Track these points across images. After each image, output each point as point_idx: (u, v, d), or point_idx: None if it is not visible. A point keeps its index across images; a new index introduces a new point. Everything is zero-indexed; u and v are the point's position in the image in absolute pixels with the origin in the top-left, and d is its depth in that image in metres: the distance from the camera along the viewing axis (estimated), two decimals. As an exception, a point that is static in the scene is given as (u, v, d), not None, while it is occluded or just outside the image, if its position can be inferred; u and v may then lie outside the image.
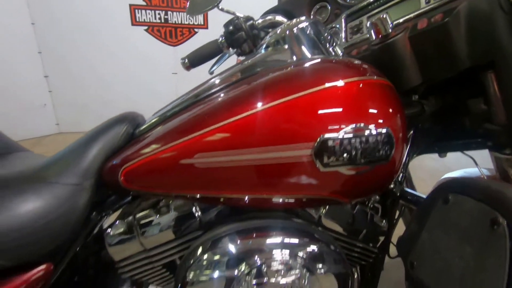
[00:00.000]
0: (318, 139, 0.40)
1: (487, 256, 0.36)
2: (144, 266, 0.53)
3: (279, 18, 0.73)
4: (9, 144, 0.69)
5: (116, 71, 3.22)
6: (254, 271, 0.44)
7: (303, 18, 0.57)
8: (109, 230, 0.52)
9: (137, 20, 3.13)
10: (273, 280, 0.45)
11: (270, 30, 0.71)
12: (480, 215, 0.38)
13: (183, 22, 3.25)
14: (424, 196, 0.55)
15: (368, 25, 0.53)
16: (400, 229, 0.64)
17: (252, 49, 0.72)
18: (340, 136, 0.40)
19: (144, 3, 3.10)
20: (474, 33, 0.45)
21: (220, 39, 0.74)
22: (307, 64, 0.48)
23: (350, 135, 0.40)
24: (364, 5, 0.65)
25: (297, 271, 0.45)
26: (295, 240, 0.46)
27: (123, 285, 0.60)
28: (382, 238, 0.60)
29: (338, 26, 0.70)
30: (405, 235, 0.53)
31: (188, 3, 0.77)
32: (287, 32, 0.56)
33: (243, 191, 0.45)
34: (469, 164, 0.75)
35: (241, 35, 0.70)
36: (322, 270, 0.46)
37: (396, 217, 0.63)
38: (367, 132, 0.41)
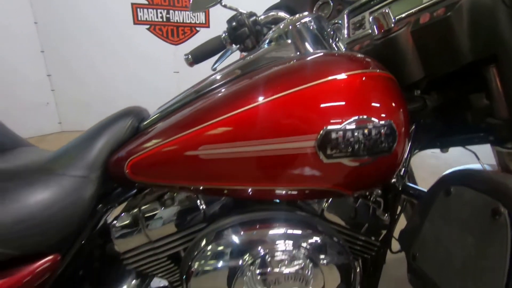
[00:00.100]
0: (322, 131, 0.40)
1: (489, 245, 0.37)
2: (149, 258, 0.54)
3: (282, 14, 0.74)
4: (15, 139, 0.70)
5: (118, 70, 3.23)
6: (258, 261, 0.45)
7: (306, 13, 0.58)
8: (114, 222, 0.52)
9: (139, 19, 3.14)
10: (276, 270, 0.45)
11: (273, 26, 0.72)
12: (481, 206, 0.39)
13: (184, 21, 3.26)
14: (426, 190, 0.56)
15: (370, 20, 0.53)
16: (401, 224, 0.65)
17: (255, 45, 0.72)
18: (343, 128, 0.41)
19: (146, 2, 3.11)
20: (476, 27, 0.45)
21: (223, 35, 0.74)
22: (310, 58, 0.48)
23: (353, 127, 0.41)
24: (366, 0, 0.65)
25: (300, 261, 0.46)
26: (298, 231, 0.47)
27: (127, 278, 0.61)
28: (384, 232, 0.60)
29: (340, 22, 0.71)
30: (407, 228, 0.54)
31: (191, 0, 0.78)
32: (290, 27, 0.57)
33: (246, 182, 0.45)
34: (470, 162, 0.75)
35: (244, 31, 0.70)
36: (325, 261, 0.47)
37: (398, 211, 0.64)
38: (370, 124, 0.41)
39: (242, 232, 0.47)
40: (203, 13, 3.27)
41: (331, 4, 0.76)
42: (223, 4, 0.75)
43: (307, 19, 0.56)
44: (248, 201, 0.53)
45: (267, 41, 0.61)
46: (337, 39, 0.63)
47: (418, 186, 0.75)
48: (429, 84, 0.59)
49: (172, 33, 3.27)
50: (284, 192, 0.47)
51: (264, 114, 0.42)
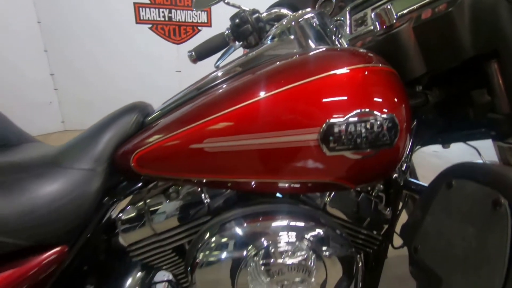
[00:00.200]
0: (324, 124, 0.41)
1: (490, 235, 0.37)
2: (154, 250, 0.55)
3: (285, 11, 0.74)
4: (21, 135, 0.71)
5: (121, 69, 3.25)
6: (261, 252, 0.46)
7: (308, 9, 0.58)
8: (120, 215, 0.53)
9: (141, 18, 3.16)
10: (279, 261, 0.46)
11: (275, 23, 0.73)
12: (482, 197, 0.39)
13: (186, 20, 3.27)
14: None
15: (372, 16, 0.54)
16: (403, 220, 0.65)
17: (258, 41, 0.73)
18: (346, 121, 0.41)
19: (148, 2, 3.13)
20: (478, 22, 0.46)
21: (226, 32, 0.75)
22: (313, 53, 0.49)
23: (356, 120, 0.41)
24: None
25: (303, 253, 0.47)
26: (301, 224, 0.48)
27: (132, 271, 0.62)
28: (386, 226, 0.61)
29: (342, 18, 0.71)
30: (409, 222, 0.54)
31: None
32: (293, 23, 0.57)
33: (250, 175, 0.46)
34: (472, 159, 0.75)
35: (247, 28, 0.71)
36: (327, 253, 0.48)
37: (399, 207, 0.64)
38: (372, 118, 0.42)
39: (245, 224, 0.48)
40: (205, 12, 3.28)
41: (333, 1, 0.76)
42: (226, 1, 0.76)
43: (309, 15, 0.57)
44: (252, 195, 0.54)
45: (270, 37, 0.61)
46: (339, 36, 0.63)
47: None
48: (431, 80, 0.59)
49: (174, 32, 3.28)
50: (287, 185, 0.47)
51: (268, 107, 0.43)
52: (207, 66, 0.89)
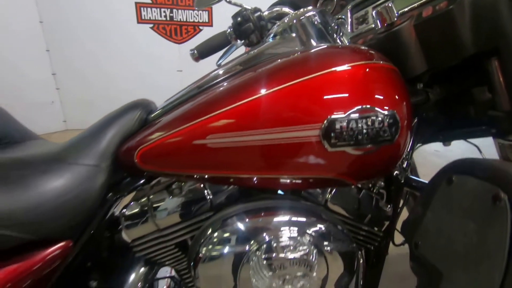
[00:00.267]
0: (326, 120, 0.42)
1: (489, 230, 0.38)
2: (157, 245, 0.55)
3: (286, 9, 0.75)
4: (25, 132, 0.72)
5: (122, 69, 3.27)
6: (264, 247, 0.46)
7: (310, 7, 0.59)
8: (124, 210, 0.54)
9: (143, 18, 3.17)
10: (280, 256, 0.47)
11: (277, 21, 0.73)
12: (482, 192, 0.40)
13: (188, 20, 3.29)
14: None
15: (374, 14, 0.54)
16: (404, 217, 0.65)
17: (260, 40, 0.74)
18: (347, 117, 0.42)
19: (149, 1, 3.14)
20: (478, 19, 0.46)
21: (228, 30, 0.75)
22: (314, 50, 0.50)
23: (357, 116, 0.42)
24: None
25: (304, 247, 0.47)
26: (302, 219, 0.48)
27: (136, 267, 0.62)
28: (386, 223, 0.61)
29: (344, 17, 0.71)
30: (409, 218, 0.55)
31: None
32: (295, 21, 0.58)
33: (252, 171, 0.47)
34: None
35: (249, 26, 0.72)
36: (329, 248, 0.48)
37: (400, 205, 0.65)
38: (373, 114, 0.42)
39: (248, 219, 0.48)
40: (206, 12, 3.29)
41: (335, -1, 0.77)
42: (227, 0, 0.76)
43: (311, 13, 0.57)
44: (254, 191, 0.55)
45: (271, 35, 0.62)
46: (341, 34, 0.64)
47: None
48: (432, 78, 0.59)
49: (176, 32, 3.30)
50: (288, 181, 0.48)
51: (270, 104, 0.43)
52: (209, 65, 0.90)
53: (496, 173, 0.40)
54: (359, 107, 0.42)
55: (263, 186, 0.50)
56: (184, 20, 3.28)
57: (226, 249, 0.47)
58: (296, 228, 0.47)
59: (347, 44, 0.61)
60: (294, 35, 0.57)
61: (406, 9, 0.57)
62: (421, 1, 0.54)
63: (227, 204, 0.54)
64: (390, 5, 0.50)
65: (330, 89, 0.43)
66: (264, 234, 0.47)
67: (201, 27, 3.35)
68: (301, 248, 0.47)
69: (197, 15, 3.29)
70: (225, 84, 0.50)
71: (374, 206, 0.59)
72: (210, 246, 0.48)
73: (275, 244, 0.46)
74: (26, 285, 0.47)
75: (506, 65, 0.48)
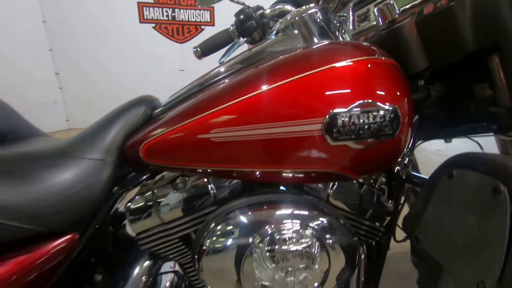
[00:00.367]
0: (328, 114, 0.42)
1: (489, 222, 0.38)
2: (162, 239, 0.56)
3: (288, 7, 0.76)
4: (30, 128, 0.73)
5: (125, 68, 3.29)
6: (267, 239, 0.47)
7: (312, 4, 0.60)
8: (129, 204, 0.55)
9: (145, 17, 3.19)
10: (283, 248, 0.47)
11: (279, 19, 0.74)
12: (482, 186, 0.40)
13: (190, 20, 3.30)
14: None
15: (375, 11, 0.55)
16: (405, 213, 0.66)
17: (262, 37, 0.74)
18: (349, 111, 0.42)
19: (152, 1, 3.15)
20: (479, 16, 0.46)
21: (231, 28, 0.76)
22: (317, 46, 0.50)
23: (359, 110, 0.43)
24: None
25: (307, 240, 0.48)
26: (305, 212, 0.49)
27: (140, 262, 0.63)
28: (388, 218, 0.62)
29: (345, 14, 0.72)
30: (411, 213, 0.55)
31: None
32: (297, 18, 0.59)
33: (255, 165, 0.47)
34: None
35: (251, 24, 0.72)
36: (330, 241, 0.49)
37: (402, 201, 0.65)
38: (375, 108, 0.43)
39: (251, 212, 0.49)
40: (208, 12, 3.30)
41: (337, -3, 0.77)
42: (230, -2, 0.77)
43: (313, 10, 0.58)
44: (257, 186, 0.55)
45: (274, 32, 0.63)
46: (343, 31, 0.64)
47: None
48: (433, 74, 0.60)
49: (178, 31, 3.31)
50: (291, 175, 0.48)
51: (273, 98, 0.44)
52: (211, 65, 0.90)
53: (496, 166, 0.40)
54: (361, 101, 0.43)
55: (265, 180, 0.51)
56: (186, 19, 3.29)
57: (230, 242, 0.48)
58: (298, 221, 0.48)
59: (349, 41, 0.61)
60: (296, 32, 0.58)
61: (407, 6, 0.57)
62: None
63: (230, 198, 0.54)
64: (391, 2, 0.51)
65: (332, 84, 0.44)
66: (267, 227, 0.47)
67: (203, 27, 3.36)
68: (303, 240, 0.47)
69: (199, 15, 3.31)
70: (228, 80, 0.51)
71: (376, 202, 0.60)
72: (214, 239, 0.48)
73: (277, 237, 0.47)
74: (32, 277, 0.48)
75: (507, 61, 0.49)
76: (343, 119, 0.42)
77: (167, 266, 0.71)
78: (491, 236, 0.38)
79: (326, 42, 0.53)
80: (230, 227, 0.49)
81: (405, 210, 0.69)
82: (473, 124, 0.65)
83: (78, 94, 3.27)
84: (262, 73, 0.47)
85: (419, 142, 0.72)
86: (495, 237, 0.37)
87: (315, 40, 0.58)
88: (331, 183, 0.56)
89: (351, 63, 0.44)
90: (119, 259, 0.65)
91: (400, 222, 0.64)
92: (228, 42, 0.82)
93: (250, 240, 0.47)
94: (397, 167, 0.62)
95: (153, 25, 3.24)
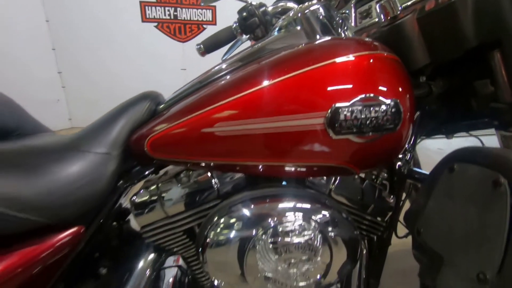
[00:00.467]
0: (331, 108, 0.43)
1: (490, 214, 0.39)
2: (166, 232, 0.57)
3: (291, 4, 0.76)
4: (36, 125, 0.74)
5: (127, 67, 3.30)
6: (269, 231, 0.48)
7: (314, 1, 0.60)
8: (134, 198, 0.56)
9: (147, 16, 3.20)
10: (286, 240, 0.48)
11: (282, 16, 0.74)
12: (483, 179, 0.41)
13: (192, 19, 3.31)
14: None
15: (377, 7, 0.55)
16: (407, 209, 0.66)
17: (265, 34, 0.75)
18: (351, 105, 0.43)
19: (154, 0, 3.16)
20: (481, 12, 0.46)
21: (234, 25, 0.77)
22: (319, 41, 0.51)
23: (361, 104, 0.43)
24: None
25: (309, 232, 0.48)
26: (307, 205, 0.50)
27: (144, 256, 0.64)
28: (389, 213, 0.62)
29: (347, 11, 0.73)
30: (412, 207, 0.56)
31: None
32: (299, 15, 0.59)
33: (258, 158, 0.48)
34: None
35: (254, 21, 0.73)
36: (332, 234, 0.49)
37: (403, 198, 0.66)
38: (376, 102, 0.44)
39: (254, 205, 0.50)
40: (210, 11, 3.31)
41: (339, -6, 0.78)
42: (233, -4, 0.78)
43: (315, 7, 0.59)
44: (260, 180, 0.56)
45: (276, 29, 0.63)
46: (345, 28, 0.65)
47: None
48: (435, 71, 0.60)
49: (180, 30, 3.32)
50: (293, 168, 0.49)
51: (277, 93, 0.45)
52: (213, 64, 0.91)
53: (497, 159, 0.41)
54: (363, 95, 0.43)
55: (268, 173, 0.51)
56: (188, 18, 3.30)
57: (233, 234, 0.49)
58: (301, 214, 0.49)
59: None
60: (298, 28, 0.59)
61: (409, 3, 0.58)
62: None
63: (233, 192, 0.55)
64: None
65: (335, 78, 0.44)
66: (270, 219, 0.48)
67: (205, 26, 3.36)
68: (305, 233, 0.48)
69: (201, 14, 3.31)
70: (232, 75, 0.51)
71: (377, 197, 0.60)
72: (218, 231, 0.49)
73: (280, 229, 0.48)
74: (38, 270, 0.49)
75: (508, 57, 0.49)
76: (345, 113, 0.43)
77: (171, 260, 0.72)
78: (492, 228, 0.38)
79: (328, 38, 0.54)
80: (233, 220, 0.49)
81: (407, 206, 0.69)
82: (474, 120, 0.66)
83: (81, 93, 3.28)
84: (266, 68, 0.47)
85: (420, 138, 0.73)
86: (496, 229, 0.38)
87: (318, 36, 0.58)
88: (333, 178, 0.57)
89: (353, 58, 0.45)
90: (124, 253, 0.66)
91: (401, 218, 0.64)
92: (231, 39, 0.82)
93: (254, 232, 0.48)
94: (399, 163, 0.63)
95: (155, 24, 3.25)
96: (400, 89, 0.46)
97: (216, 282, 0.53)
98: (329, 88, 0.44)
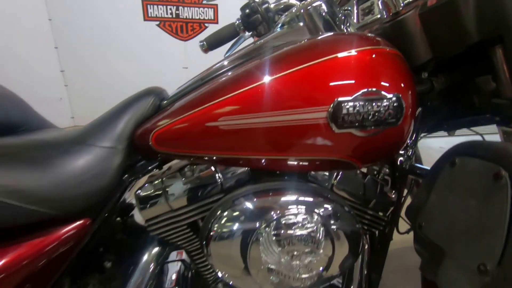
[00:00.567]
0: (333, 102, 0.43)
1: (490, 206, 0.39)
2: (170, 225, 0.58)
3: (293, 1, 0.77)
4: (41, 120, 0.75)
5: (129, 66, 3.31)
6: (272, 224, 0.49)
7: (317, -3, 0.61)
8: (139, 191, 0.57)
9: (149, 15, 3.21)
10: (289, 232, 0.49)
11: (284, 13, 0.75)
12: (484, 172, 0.41)
13: (193, 17, 3.31)
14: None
15: (379, 4, 0.55)
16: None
17: (267, 31, 0.76)
18: (354, 99, 0.44)
19: (156, -1, 3.17)
20: (482, 7, 0.47)
21: (237, 22, 0.78)
22: (322, 37, 0.52)
23: (363, 99, 0.44)
24: None
25: (312, 225, 0.49)
26: (310, 199, 0.50)
27: (148, 250, 0.65)
28: (391, 208, 0.63)
29: (350, 8, 0.73)
30: (414, 202, 0.56)
31: None
32: (302, 11, 0.60)
33: (262, 152, 0.48)
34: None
35: (257, 18, 0.74)
36: (335, 227, 0.50)
37: (404, 194, 0.66)
38: (379, 96, 0.44)
39: (257, 199, 0.51)
40: (212, 9, 3.31)
41: (341, -9, 0.78)
42: (236, -7, 0.79)
43: (318, 3, 0.59)
44: (262, 175, 0.57)
45: (279, 25, 0.64)
46: (347, 24, 0.65)
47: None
48: (437, 67, 0.61)
49: (182, 29, 3.32)
50: (296, 162, 0.50)
51: (280, 87, 0.45)
52: (215, 61, 0.92)
53: (497, 152, 0.41)
54: (365, 90, 0.44)
55: (271, 167, 0.52)
56: (190, 17, 3.30)
57: (237, 226, 0.49)
58: (303, 207, 0.49)
59: None
60: (301, 24, 0.59)
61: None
62: None
63: (236, 186, 0.56)
64: None
65: (337, 73, 0.45)
66: (273, 212, 0.49)
67: (206, 24, 3.37)
68: (308, 225, 0.49)
69: (203, 12, 3.32)
70: (236, 70, 0.52)
71: (379, 192, 0.61)
72: (222, 223, 0.50)
73: (283, 221, 0.49)
74: (45, 262, 0.50)
75: (510, 53, 0.49)
76: (347, 107, 0.43)
77: (174, 255, 0.73)
78: (492, 220, 0.39)
79: (331, 33, 0.54)
80: (237, 213, 0.50)
81: (409, 201, 0.70)
82: (476, 116, 0.66)
83: (83, 92, 3.30)
84: (270, 63, 0.48)
85: (422, 134, 0.73)
86: (496, 221, 0.38)
87: (320, 33, 0.59)
88: (335, 173, 0.58)
89: (356, 53, 0.45)
90: (128, 248, 0.67)
91: (403, 213, 0.65)
92: (234, 36, 0.83)
93: (257, 224, 0.49)
94: (400, 158, 0.63)
95: (157, 22, 3.26)
96: (402, 84, 0.46)
97: (220, 274, 0.54)
98: (332, 83, 0.45)
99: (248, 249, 0.49)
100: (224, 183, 0.56)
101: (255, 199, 0.51)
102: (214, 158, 0.51)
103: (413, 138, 0.65)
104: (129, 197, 0.70)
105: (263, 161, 0.50)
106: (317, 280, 0.53)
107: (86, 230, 0.52)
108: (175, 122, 0.49)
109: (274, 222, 0.49)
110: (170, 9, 3.23)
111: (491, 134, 0.72)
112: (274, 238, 0.49)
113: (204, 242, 0.52)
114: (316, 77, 0.45)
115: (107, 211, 0.56)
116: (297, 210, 0.49)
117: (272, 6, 0.77)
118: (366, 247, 0.67)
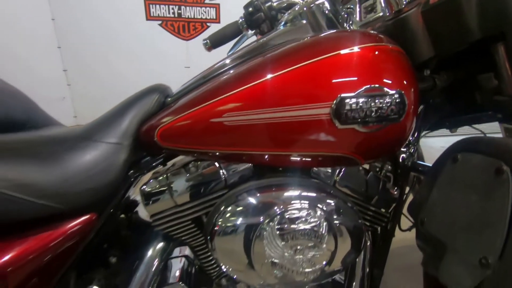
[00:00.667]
0: (337, 98, 0.44)
1: (492, 201, 0.40)
2: (175, 221, 0.59)
3: (296, -1, 0.77)
4: (46, 118, 0.76)
5: (131, 65, 3.32)
6: (276, 218, 0.49)
7: (320, -5, 0.61)
8: (144, 187, 0.58)
9: (152, 14, 3.22)
10: (292, 227, 0.50)
11: (287, 11, 0.75)
12: (486, 167, 0.42)
13: (196, 17, 3.32)
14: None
15: (382, 2, 0.56)
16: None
17: (270, 29, 0.76)
18: (357, 96, 0.44)
19: (158, -2, 3.18)
20: (485, 5, 0.47)
21: (240, 20, 0.78)
22: (325, 34, 0.52)
23: (366, 95, 0.44)
24: None
25: (315, 220, 0.50)
26: (313, 194, 0.51)
27: (153, 245, 0.66)
28: (393, 205, 0.63)
29: (352, 6, 0.74)
30: (416, 198, 0.57)
31: None
32: (305, 9, 0.60)
33: (266, 148, 0.49)
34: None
35: (260, 16, 0.74)
36: (337, 222, 0.51)
37: (406, 191, 0.67)
38: (381, 93, 0.45)
39: (261, 194, 0.51)
40: (214, 9, 3.32)
41: (344, -11, 0.78)
42: (239, -9, 0.79)
43: (321, 1, 0.60)
44: (266, 171, 0.57)
45: (282, 23, 0.64)
46: (350, 22, 0.66)
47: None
48: (439, 64, 0.61)
49: (184, 28, 3.33)
50: (299, 158, 0.50)
51: (284, 83, 0.46)
52: (217, 60, 0.92)
53: (499, 148, 0.42)
54: (368, 86, 0.44)
55: (275, 163, 0.52)
56: (192, 16, 3.31)
57: (241, 221, 0.50)
58: (307, 202, 0.50)
59: None
60: (304, 22, 0.60)
61: None
62: None
63: (240, 182, 0.57)
64: None
65: (340, 69, 0.45)
66: (276, 207, 0.49)
67: (208, 24, 3.38)
68: (311, 220, 0.49)
69: (205, 12, 3.32)
70: (240, 67, 0.53)
71: (381, 188, 0.61)
72: (226, 218, 0.51)
73: (286, 216, 0.49)
74: (51, 256, 0.51)
75: None
76: (350, 103, 0.44)
77: (178, 251, 0.74)
78: (494, 214, 0.39)
79: (333, 31, 0.55)
80: (241, 208, 0.51)
81: (411, 198, 0.70)
82: (478, 113, 0.66)
83: (86, 91, 3.31)
84: (273, 59, 0.49)
85: (424, 132, 0.73)
86: (498, 215, 0.38)
87: (323, 29, 0.59)
88: (338, 170, 0.58)
89: (359, 50, 0.46)
90: (133, 243, 0.67)
91: (405, 210, 0.65)
92: (237, 34, 0.84)
93: (261, 219, 0.49)
94: (403, 155, 0.63)
95: (160, 22, 3.27)
96: (405, 81, 0.47)
97: (224, 269, 0.54)
98: (335, 79, 0.45)
99: (252, 244, 0.50)
100: (228, 179, 0.57)
101: (258, 195, 0.51)
102: (218, 154, 0.51)
103: (415, 136, 0.66)
104: (134, 193, 0.71)
105: (266, 156, 0.50)
106: (320, 275, 0.54)
107: (92, 225, 0.53)
108: (180, 119, 0.49)
109: (278, 216, 0.49)
110: (173, 8, 3.24)
111: (493, 133, 0.72)
112: (277, 232, 0.49)
113: (208, 237, 0.53)
114: (319, 73, 0.45)
115: (113, 206, 0.57)
116: (300, 205, 0.49)
117: (275, 4, 0.77)
118: (368, 244, 0.68)
